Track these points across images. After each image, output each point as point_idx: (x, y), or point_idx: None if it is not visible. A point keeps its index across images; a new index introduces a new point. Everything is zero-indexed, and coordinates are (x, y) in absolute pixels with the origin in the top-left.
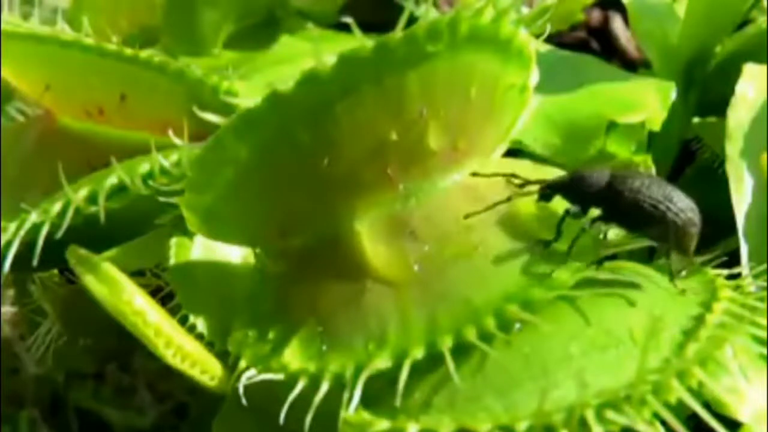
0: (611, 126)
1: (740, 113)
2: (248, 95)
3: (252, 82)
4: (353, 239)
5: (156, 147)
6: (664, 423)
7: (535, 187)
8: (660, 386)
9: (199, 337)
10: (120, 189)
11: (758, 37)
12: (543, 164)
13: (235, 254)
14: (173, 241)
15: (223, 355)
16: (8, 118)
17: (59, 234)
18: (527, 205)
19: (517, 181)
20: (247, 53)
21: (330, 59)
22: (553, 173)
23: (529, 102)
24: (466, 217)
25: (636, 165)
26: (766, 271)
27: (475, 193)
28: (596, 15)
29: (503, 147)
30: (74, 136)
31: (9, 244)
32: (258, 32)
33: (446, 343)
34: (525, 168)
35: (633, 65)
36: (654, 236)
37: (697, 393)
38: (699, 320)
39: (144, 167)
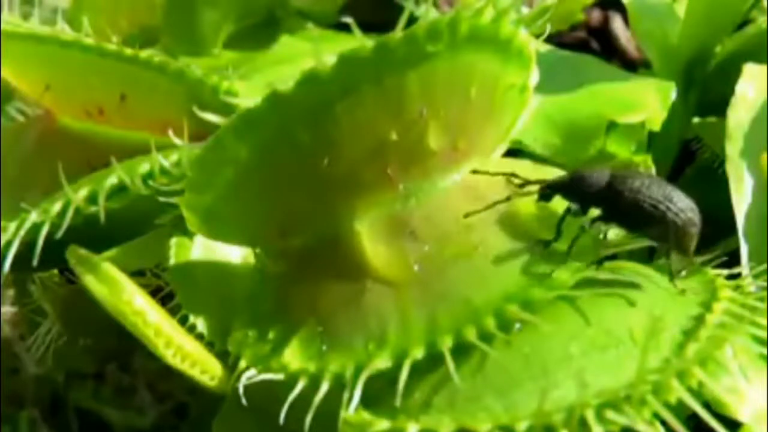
0: (611, 126)
1: (740, 113)
2: (248, 95)
3: (252, 82)
4: (353, 239)
5: (156, 147)
6: (664, 423)
7: (535, 187)
8: (660, 386)
9: (199, 337)
10: (120, 189)
11: (758, 37)
12: (543, 164)
13: (235, 254)
14: (173, 241)
15: (223, 355)
16: (8, 118)
17: (59, 234)
18: (527, 205)
19: (517, 181)
20: (247, 53)
21: (330, 59)
22: (553, 173)
23: (529, 102)
24: (466, 216)
25: (636, 165)
26: (766, 271)
27: (475, 193)
28: (596, 15)
29: (503, 147)
30: (74, 136)
31: (9, 244)
32: (258, 32)
33: (446, 343)
34: (525, 168)
35: (633, 65)
36: (654, 236)
37: (697, 393)
38: (699, 320)
39: (144, 167)
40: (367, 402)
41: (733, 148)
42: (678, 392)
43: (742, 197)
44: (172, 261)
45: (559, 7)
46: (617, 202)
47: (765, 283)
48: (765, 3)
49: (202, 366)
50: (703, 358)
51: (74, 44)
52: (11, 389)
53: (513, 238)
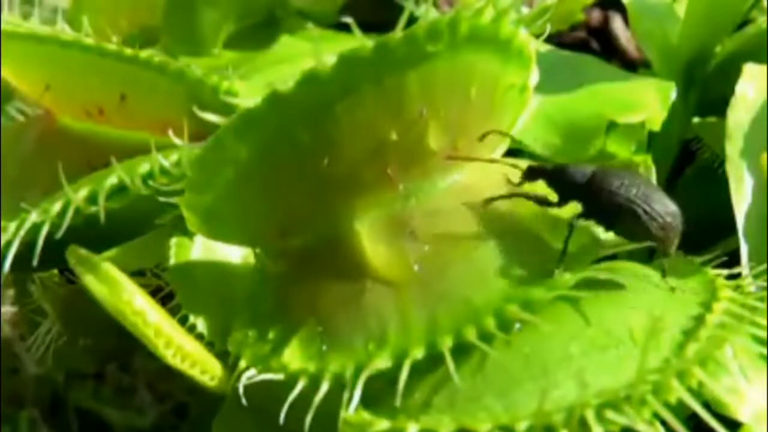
0: (611, 126)
1: (740, 113)
2: (248, 95)
3: (252, 82)
4: (353, 239)
5: (156, 147)
6: (664, 423)
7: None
8: (660, 386)
9: (199, 337)
10: (120, 189)
11: (758, 37)
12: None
13: (235, 254)
14: (173, 241)
15: (223, 355)
16: (8, 118)
17: (59, 234)
18: (527, 205)
19: (516, 180)
20: (247, 53)
21: (330, 59)
22: None
23: (529, 102)
24: (486, 201)
25: (636, 165)
26: (766, 271)
27: (475, 193)
28: (596, 15)
29: (503, 147)
30: (74, 136)
31: (9, 244)
32: (258, 32)
33: (446, 343)
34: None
35: (633, 65)
36: (630, 236)
37: (697, 393)
38: (699, 320)
39: (144, 167)
40: (367, 402)
41: (733, 148)
42: (678, 392)
43: (742, 197)
44: (172, 261)
45: (559, 7)
46: (596, 199)
47: (765, 283)
48: (765, 3)
49: (202, 366)
50: (703, 358)
51: (74, 44)
52: (11, 389)
53: (513, 238)
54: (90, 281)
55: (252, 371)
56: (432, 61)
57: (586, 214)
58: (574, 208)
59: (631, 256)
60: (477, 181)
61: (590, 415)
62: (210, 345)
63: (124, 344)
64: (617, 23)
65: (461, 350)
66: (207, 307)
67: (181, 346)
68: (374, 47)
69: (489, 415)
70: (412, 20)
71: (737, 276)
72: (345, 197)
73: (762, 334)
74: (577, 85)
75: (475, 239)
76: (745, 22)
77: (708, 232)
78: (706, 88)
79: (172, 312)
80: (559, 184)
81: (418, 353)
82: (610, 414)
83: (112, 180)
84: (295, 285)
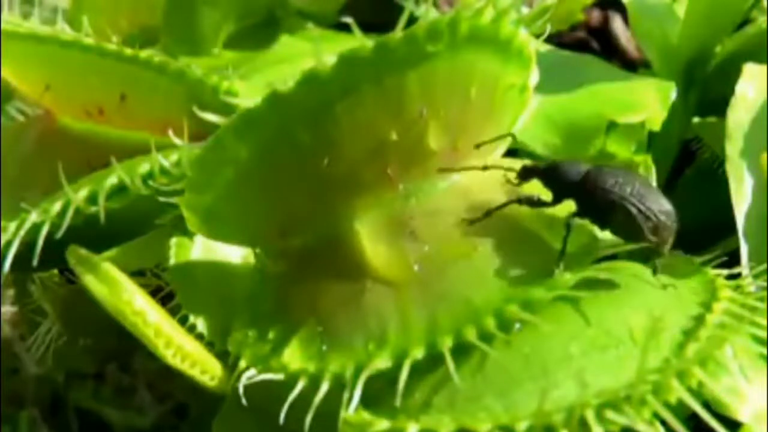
0: (611, 126)
1: (740, 113)
2: (248, 95)
3: (252, 82)
4: (353, 239)
5: (156, 147)
6: (664, 423)
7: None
8: (660, 386)
9: (199, 337)
10: (120, 189)
11: (758, 37)
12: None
13: (235, 254)
14: (173, 241)
15: (223, 355)
16: (8, 118)
17: (59, 234)
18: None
19: (515, 180)
20: (247, 53)
21: (330, 59)
22: None
23: (529, 102)
24: (470, 221)
25: (636, 165)
26: (766, 271)
27: (475, 193)
28: (596, 15)
29: (503, 147)
30: (74, 136)
31: (9, 244)
32: (258, 32)
33: (446, 343)
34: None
35: (633, 65)
36: (623, 235)
37: (697, 393)
38: (699, 320)
39: (144, 167)
40: (367, 402)
41: (733, 148)
42: (678, 392)
43: (742, 197)
44: (172, 261)
45: (559, 7)
46: (590, 197)
47: (765, 283)
48: (765, 3)
49: (202, 366)
50: (703, 358)
51: (74, 44)
52: (11, 389)
53: (513, 238)
54: (90, 281)
55: (252, 371)
56: (432, 61)
57: (580, 213)
58: (571, 207)
59: (631, 256)
60: (476, 182)
61: (590, 415)
62: (210, 345)
63: (124, 344)
64: (617, 23)
65: (461, 350)
66: (207, 307)
67: (181, 346)
68: (374, 47)
69: (489, 415)
70: (412, 20)
71: (737, 276)
72: (345, 197)
73: (762, 334)
74: (577, 85)
75: (475, 239)
76: (745, 22)
77: (708, 232)
78: (706, 88)
79: (172, 312)
80: (553, 182)
81: (418, 353)
82: (610, 414)
83: (112, 180)
84: (295, 285)
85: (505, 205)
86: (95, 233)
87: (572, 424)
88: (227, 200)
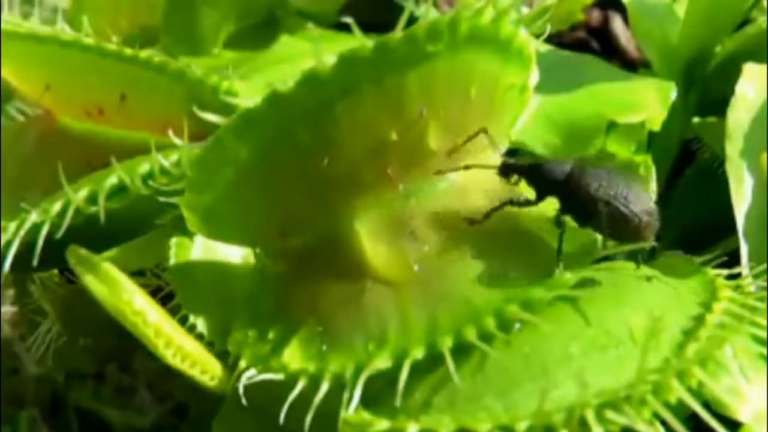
0: (611, 126)
1: (740, 113)
2: (248, 95)
3: (252, 82)
4: (353, 239)
5: (156, 147)
6: (664, 423)
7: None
8: (660, 386)
9: (199, 337)
10: (120, 189)
11: (758, 37)
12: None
13: (235, 254)
14: (173, 241)
15: (223, 355)
16: (8, 118)
17: (59, 234)
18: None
19: (513, 180)
20: (247, 53)
21: (330, 59)
22: None
23: (529, 102)
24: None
25: (636, 165)
26: (766, 271)
27: (475, 193)
28: (596, 15)
29: (503, 147)
30: (74, 136)
31: (9, 244)
32: (258, 32)
33: (446, 343)
34: None
35: (633, 65)
36: (605, 233)
37: (697, 393)
38: (699, 320)
39: (144, 167)
40: (367, 402)
41: (733, 148)
42: (678, 392)
43: (742, 197)
44: (172, 261)
45: (559, 7)
46: (573, 197)
47: (765, 283)
48: (765, 3)
49: (202, 366)
50: (703, 358)
51: (74, 44)
52: (11, 389)
53: (513, 237)
54: (90, 281)
55: (252, 371)
56: (432, 61)
57: (563, 210)
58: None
59: (631, 256)
60: (476, 181)
61: (590, 415)
62: (210, 345)
63: (124, 344)
64: (617, 23)
65: (461, 350)
66: (207, 307)
67: (181, 346)
68: (374, 47)
69: (489, 415)
70: (412, 20)
71: (737, 276)
72: (345, 197)
73: (762, 334)
74: (577, 85)
75: (475, 239)
76: (745, 22)
77: (708, 232)
78: (706, 88)
79: (172, 312)
80: (536, 180)
81: (418, 353)
82: (610, 414)
83: (112, 180)
84: (295, 285)
85: (497, 208)
86: (95, 233)
87: (572, 424)
88: (227, 200)
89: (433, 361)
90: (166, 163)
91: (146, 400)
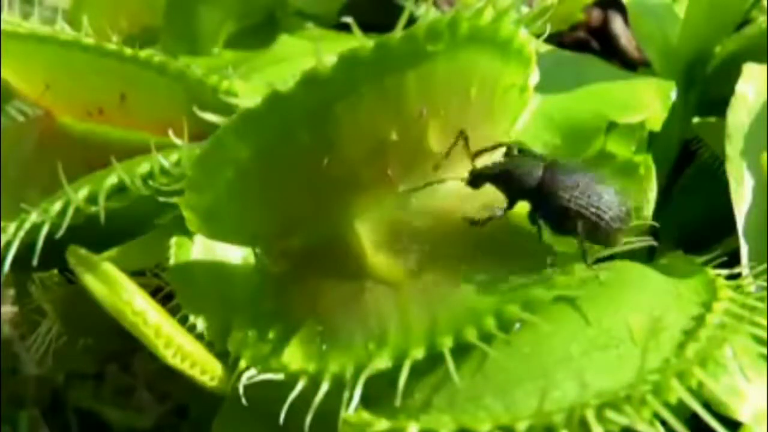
0: (611, 126)
1: (740, 113)
2: (248, 95)
3: (252, 82)
4: (353, 239)
5: (156, 147)
6: (664, 423)
7: None
8: (660, 386)
9: (199, 337)
10: (120, 189)
11: (758, 37)
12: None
13: (235, 254)
14: (173, 241)
15: (223, 355)
16: (8, 118)
17: (59, 234)
18: (523, 205)
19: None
20: (247, 53)
21: (330, 59)
22: None
23: (529, 102)
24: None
25: (636, 165)
26: (766, 271)
27: (475, 193)
28: (596, 15)
29: (503, 147)
30: (74, 136)
31: (9, 244)
32: (258, 32)
33: (446, 344)
34: None
35: (633, 65)
36: (574, 236)
37: (697, 393)
38: (699, 320)
39: (144, 167)
40: (367, 402)
41: (733, 148)
42: (678, 392)
43: (742, 197)
44: (172, 261)
45: (559, 7)
46: (545, 203)
47: (765, 283)
48: (765, 3)
49: (202, 366)
50: (703, 358)
51: (74, 44)
52: (11, 389)
53: (513, 237)
54: (90, 281)
55: (252, 371)
56: (432, 61)
57: (534, 212)
58: None
59: (631, 256)
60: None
61: (590, 415)
62: (210, 345)
63: (124, 344)
64: (617, 23)
65: (461, 350)
66: (207, 307)
67: (181, 346)
68: (374, 47)
69: (489, 415)
70: (412, 20)
71: (737, 276)
72: (345, 197)
73: (762, 334)
74: (577, 85)
75: (475, 239)
76: (745, 22)
77: (708, 232)
78: (706, 88)
79: (172, 312)
80: (507, 187)
81: (418, 353)
82: (610, 414)
83: (112, 180)
84: (295, 285)
85: (498, 216)
86: (95, 233)
87: (572, 424)
88: (227, 200)
89: (433, 361)
90: (166, 163)
91: (146, 400)
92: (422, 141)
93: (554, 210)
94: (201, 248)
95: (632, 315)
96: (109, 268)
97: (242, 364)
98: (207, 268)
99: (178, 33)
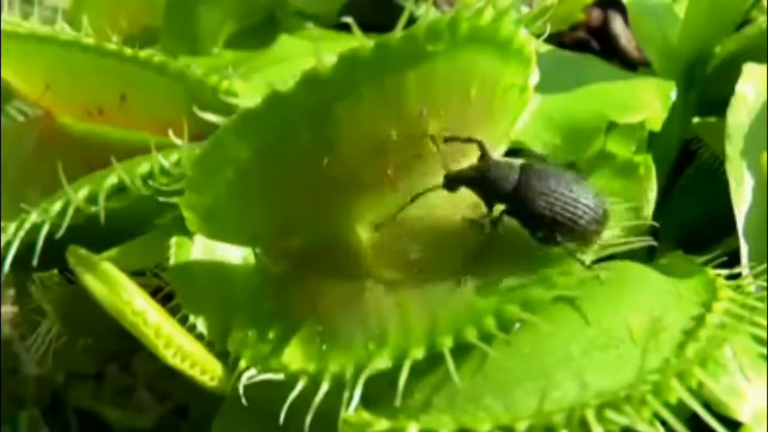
0: (611, 126)
1: (740, 113)
2: (248, 95)
3: (252, 82)
4: (353, 239)
5: (156, 147)
6: (664, 423)
7: None
8: (660, 386)
9: (199, 337)
10: (120, 189)
11: (758, 37)
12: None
13: (235, 254)
14: (173, 241)
15: (223, 355)
16: (8, 118)
17: (59, 234)
18: None
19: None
20: (247, 53)
21: (330, 59)
22: None
23: (529, 102)
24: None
25: (636, 165)
26: (766, 271)
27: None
28: (596, 15)
29: (503, 147)
30: (74, 136)
31: (9, 244)
32: (258, 32)
33: (446, 344)
34: None
35: (633, 65)
36: (555, 242)
37: (697, 393)
38: (699, 320)
39: (144, 167)
40: (367, 402)
41: (733, 148)
42: (678, 392)
43: (742, 197)
44: (172, 261)
45: (559, 7)
46: (521, 208)
47: (765, 283)
48: (765, 3)
49: (202, 366)
50: (703, 358)
51: (74, 44)
52: (11, 389)
53: (512, 237)
54: (90, 281)
55: (252, 371)
56: (432, 61)
57: (509, 212)
58: None
59: (631, 256)
60: None
61: (590, 415)
62: (210, 345)
63: (124, 344)
64: (617, 23)
65: (461, 350)
66: (207, 307)
67: (181, 346)
68: (374, 47)
69: (489, 415)
70: (412, 20)
71: (737, 276)
72: (345, 197)
73: (762, 334)
74: (577, 85)
75: (475, 239)
76: (745, 22)
77: (708, 232)
78: (706, 88)
79: (172, 312)
80: (482, 191)
81: (418, 353)
82: (610, 414)
83: (112, 180)
84: (295, 285)
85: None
86: (95, 233)
87: (572, 424)
88: (227, 200)
89: (433, 361)
90: (166, 163)
91: (146, 400)
92: (422, 141)
93: (530, 216)
94: (201, 248)
95: (632, 315)
96: (109, 268)
97: (242, 364)
98: (207, 268)
99: (178, 33)
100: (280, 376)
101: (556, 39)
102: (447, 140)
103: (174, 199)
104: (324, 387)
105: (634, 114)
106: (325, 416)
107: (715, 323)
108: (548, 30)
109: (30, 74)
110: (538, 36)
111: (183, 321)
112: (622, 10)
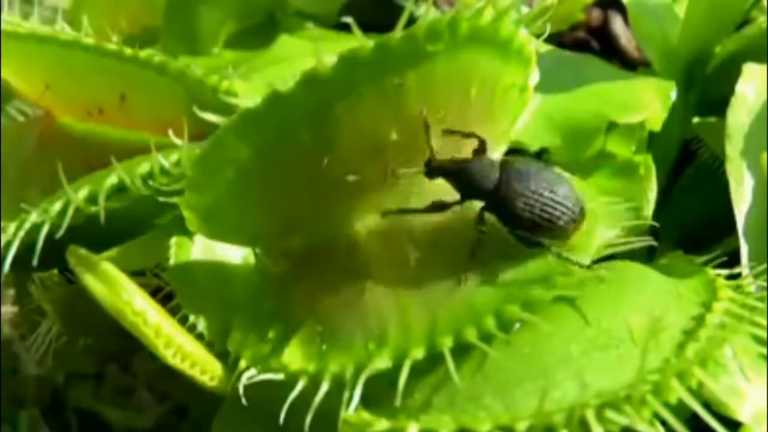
0: (611, 126)
1: (740, 113)
2: (248, 95)
3: (252, 82)
4: (353, 239)
5: (156, 147)
6: (664, 423)
7: None
8: (660, 386)
9: (199, 337)
10: (120, 189)
11: (758, 37)
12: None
13: (235, 254)
14: (173, 241)
15: (223, 355)
16: (8, 118)
17: (59, 234)
18: None
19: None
20: (247, 53)
21: (330, 59)
22: None
23: (529, 102)
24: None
25: (636, 165)
26: (766, 271)
27: None
28: (596, 15)
29: (503, 147)
30: (74, 136)
31: (9, 244)
32: (258, 32)
33: (446, 344)
34: None
35: (633, 65)
36: (526, 238)
37: (697, 393)
38: (699, 320)
39: (144, 167)
40: (367, 402)
41: (733, 148)
42: (678, 392)
43: (742, 197)
44: (172, 261)
45: (559, 7)
46: (500, 206)
47: (765, 283)
48: (765, 3)
49: (202, 366)
50: (703, 358)
51: (74, 44)
52: (11, 389)
53: (512, 237)
54: (90, 281)
55: (252, 371)
56: (432, 61)
57: (487, 209)
58: None
59: (631, 256)
60: None
61: (590, 415)
62: (210, 345)
63: (124, 344)
64: (617, 23)
65: (461, 350)
66: (207, 307)
67: (181, 346)
68: (374, 47)
69: (489, 415)
70: (412, 20)
71: (737, 276)
72: (345, 197)
73: (762, 334)
74: (577, 85)
75: (475, 239)
76: (745, 22)
77: (708, 232)
78: (706, 88)
79: (172, 312)
80: (459, 184)
81: (418, 353)
82: (610, 414)
83: (112, 180)
84: (295, 285)
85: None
86: (95, 233)
87: (572, 424)
88: (227, 200)
89: (433, 361)
90: (166, 163)
91: (146, 400)
92: (422, 141)
93: (509, 216)
94: (201, 248)
95: (632, 315)
96: (109, 268)
97: (242, 364)
98: (207, 268)
99: (178, 33)
100: (280, 376)
101: (556, 39)
102: (446, 133)
103: (174, 199)
104: (324, 387)
105: (634, 114)
106: (325, 416)
107: (715, 323)
108: (548, 30)
109: (30, 74)
110: (538, 36)
111: (183, 321)
112: (622, 10)
